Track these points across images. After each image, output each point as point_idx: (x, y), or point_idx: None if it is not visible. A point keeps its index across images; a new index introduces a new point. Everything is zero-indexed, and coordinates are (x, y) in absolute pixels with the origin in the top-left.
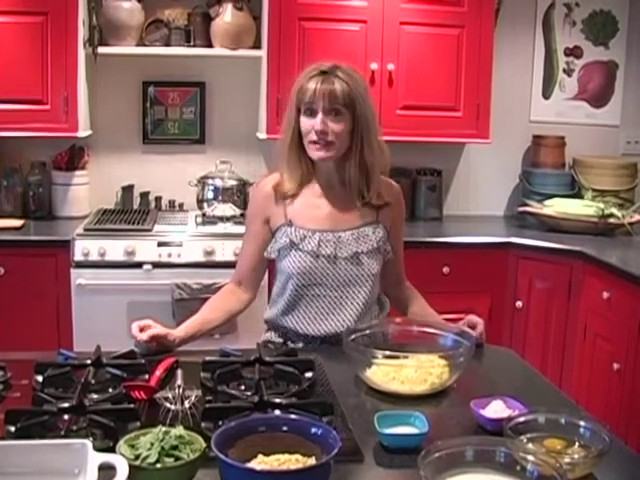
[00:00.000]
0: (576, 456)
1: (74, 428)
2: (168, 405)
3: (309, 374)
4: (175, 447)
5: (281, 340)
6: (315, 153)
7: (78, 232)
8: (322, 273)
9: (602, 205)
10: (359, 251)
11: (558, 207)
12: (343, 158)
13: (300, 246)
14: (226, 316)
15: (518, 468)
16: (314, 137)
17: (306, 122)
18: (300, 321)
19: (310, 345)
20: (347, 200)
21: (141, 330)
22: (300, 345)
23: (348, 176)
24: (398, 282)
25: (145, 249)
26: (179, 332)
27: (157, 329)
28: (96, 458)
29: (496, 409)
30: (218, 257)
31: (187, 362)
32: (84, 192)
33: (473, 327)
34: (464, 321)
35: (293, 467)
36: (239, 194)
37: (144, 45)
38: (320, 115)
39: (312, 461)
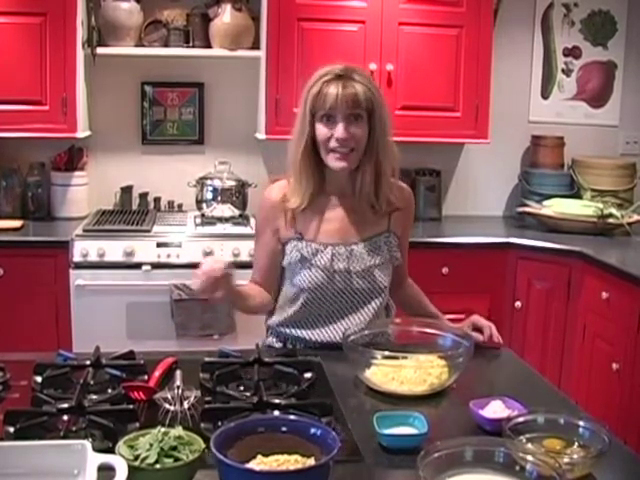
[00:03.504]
0: (575, 456)
1: (73, 429)
2: (167, 406)
3: (308, 375)
4: (174, 448)
5: (281, 345)
6: (337, 163)
7: (77, 233)
8: (335, 288)
9: (601, 205)
10: (372, 264)
11: (557, 207)
12: (358, 163)
13: (313, 261)
14: (259, 302)
15: (517, 468)
16: (334, 145)
17: (324, 130)
18: (305, 329)
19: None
20: (358, 210)
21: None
22: (301, 348)
23: (360, 183)
24: (401, 283)
25: (144, 250)
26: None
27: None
28: (95, 459)
29: (495, 409)
30: (217, 258)
31: (186, 363)
32: (83, 193)
33: (478, 329)
34: (467, 322)
35: (292, 468)
36: (238, 195)
37: (143, 46)
38: (341, 124)
39: (311, 462)
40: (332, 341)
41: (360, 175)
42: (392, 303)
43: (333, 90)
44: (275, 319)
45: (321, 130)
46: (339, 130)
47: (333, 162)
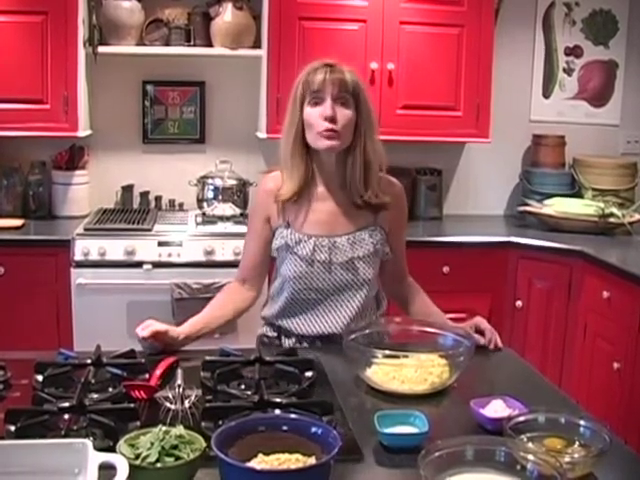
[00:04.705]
0: (576, 455)
1: (74, 428)
2: (168, 405)
3: (309, 373)
4: (175, 447)
5: (275, 334)
6: (324, 142)
7: (78, 232)
8: (317, 278)
9: (602, 204)
10: (354, 256)
11: (558, 206)
12: (345, 153)
13: (295, 250)
14: (233, 313)
15: (518, 467)
16: (322, 126)
17: (312, 112)
18: (295, 322)
19: (303, 343)
20: (345, 204)
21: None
22: (293, 340)
23: (349, 173)
24: (399, 279)
25: (145, 249)
26: (183, 328)
27: (157, 325)
28: (96, 458)
29: (496, 408)
30: (218, 257)
31: (187, 361)
32: (84, 192)
33: (480, 332)
34: (470, 323)
35: (293, 466)
36: (239, 194)
37: (144, 44)
38: (329, 101)
39: (312, 461)
40: (322, 333)
41: (349, 165)
42: (383, 296)
43: (320, 75)
44: (267, 311)
45: (309, 113)
46: (326, 108)
47: (321, 142)
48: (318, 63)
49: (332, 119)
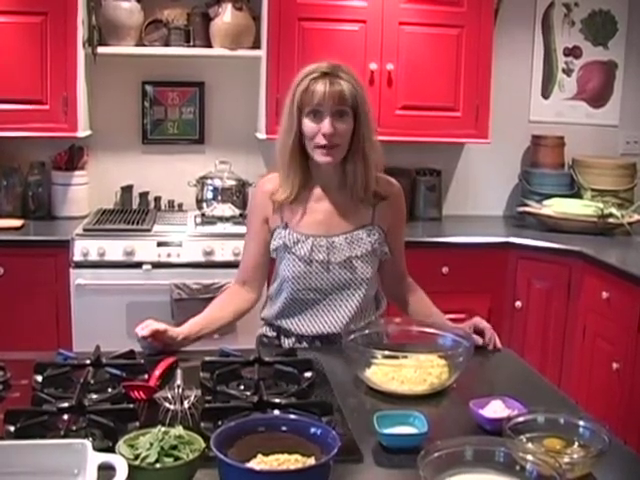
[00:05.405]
0: (575, 456)
1: (74, 428)
2: (167, 405)
3: (308, 374)
4: (174, 447)
5: (275, 334)
6: (322, 158)
7: (77, 232)
8: (316, 278)
9: (601, 205)
10: (352, 255)
11: (557, 207)
12: (343, 158)
13: (293, 250)
14: (233, 315)
15: (517, 468)
16: (322, 141)
17: (311, 125)
18: (294, 322)
19: (302, 343)
20: (343, 203)
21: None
22: (292, 340)
23: (352, 176)
24: (399, 280)
25: (144, 249)
26: (183, 329)
27: (157, 325)
28: (96, 458)
29: (495, 409)
30: (217, 257)
31: (186, 362)
32: (83, 192)
33: (479, 332)
34: (469, 323)
35: (292, 467)
36: (238, 194)
37: (143, 45)
38: (328, 119)
39: (311, 461)
40: (322, 332)
41: (350, 168)
42: (382, 296)
43: (320, 87)
44: (266, 312)
45: (308, 125)
46: (325, 125)
47: (319, 157)
48: (317, 70)
49: (331, 135)
